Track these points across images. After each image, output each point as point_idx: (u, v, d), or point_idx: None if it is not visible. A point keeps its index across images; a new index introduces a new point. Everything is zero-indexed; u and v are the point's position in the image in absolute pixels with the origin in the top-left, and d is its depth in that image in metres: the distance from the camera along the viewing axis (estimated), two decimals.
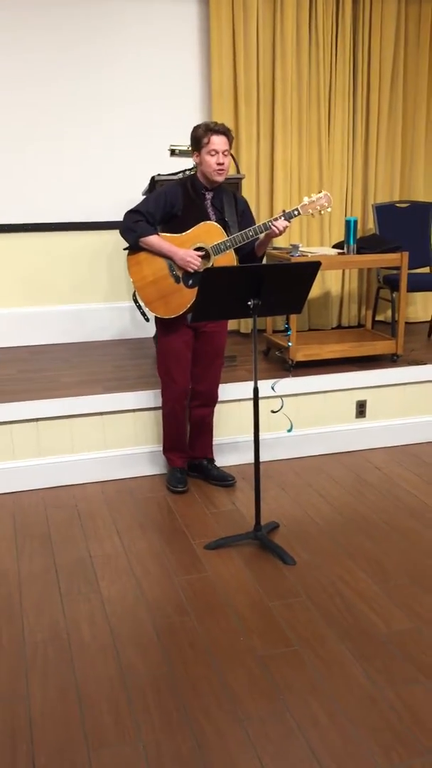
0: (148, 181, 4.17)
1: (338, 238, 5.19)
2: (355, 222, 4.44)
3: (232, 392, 4.03)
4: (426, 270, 5.24)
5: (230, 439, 4.09)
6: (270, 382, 3.87)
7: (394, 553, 3.17)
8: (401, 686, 2.33)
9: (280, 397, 3.80)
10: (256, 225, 3.42)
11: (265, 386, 3.88)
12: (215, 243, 3.43)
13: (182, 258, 3.40)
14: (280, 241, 5.07)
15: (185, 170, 4.00)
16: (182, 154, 4.12)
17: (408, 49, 5.30)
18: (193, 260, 3.40)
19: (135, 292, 3.53)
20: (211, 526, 3.43)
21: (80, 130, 4.97)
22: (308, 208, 3.47)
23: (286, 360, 4.36)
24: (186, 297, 3.46)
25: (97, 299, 5.25)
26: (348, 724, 2.17)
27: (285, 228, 3.39)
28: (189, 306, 3.45)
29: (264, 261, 3.74)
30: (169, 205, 3.42)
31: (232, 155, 4.10)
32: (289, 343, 4.24)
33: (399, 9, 5.16)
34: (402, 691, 2.30)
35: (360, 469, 4.07)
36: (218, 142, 3.34)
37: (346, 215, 5.34)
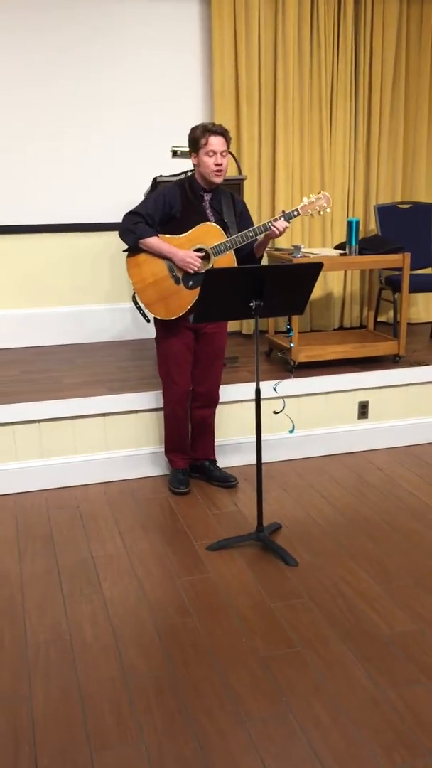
0: (149, 183, 4.17)
1: (340, 239, 5.19)
2: (357, 223, 4.44)
3: (234, 393, 4.04)
4: (428, 271, 5.23)
5: (232, 440, 4.10)
6: (272, 383, 3.87)
7: (396, 554, 3.17)
8: (403, 687, 2.33)
9: (282, 398, 3.80)
10: (256, 226, 3.42)
11: (267, 387, 3.87)
12: (215, 244, 3.43)
13: (182, 259, 3.40)
14: (282, 242, 5.08)
15: (187, 171, 3.99)
16: (184, 155, 4.11)
17: (410, 49, 5.30)
18: (193, 261, 3.40)
19: (135, 293, 3.53)
20: (213, 527, 3.44)
21: (81, 131, 4.97)
22: (308, 209, 3.47)
23: (288, 361, 4.36)
24: (186, 298, 3.46)
25: (99, 300, 5.25)
26: (350, 725, 2.17)
27: (284, 229, 3.39)
28: (189, 307, 3.45)
29: (263, 262, 3.74)
30: (168, 206, 3.42)
31: (233, 156, 4.10)
32: (291, 344, 4.24)
33: (401, 9, 5.16)
34: (404, 692, 2.30)
35: (362, 470, 4.07)
36: (216, 142, 3.34)
37: (347, 216, 5.33)
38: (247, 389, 3.96)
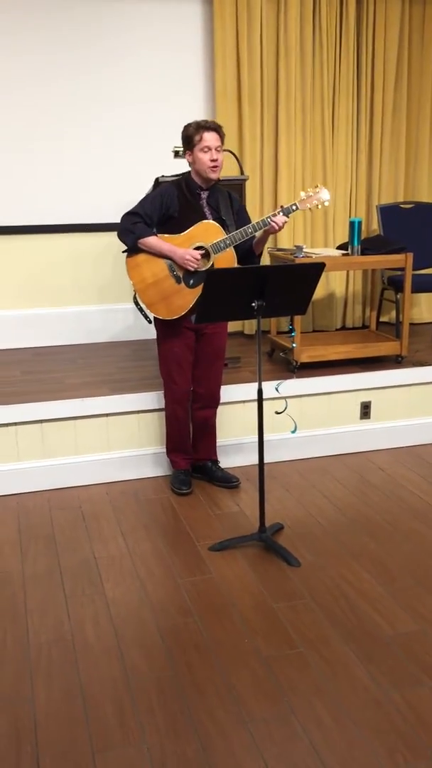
0: (151, 183, 4.16)
1: (342, 239, 5.18)
2: (360, 223, 4.43)
3: (237, 393, 4.03)
4: (430, 271, 5.22)
5: (234, 440, 4.09)
6: (274, 383, 3.86)
7: (399, 554, 3.17)
8: (406, 688, 2.32)
9: (285, 398, 3.80)
10: (255, 221, 3.41)
11: (269, 387, 3.87)
12: (214, 241, 3.42)
13: (182, 257, 3.39)
14: (284, 242, 5.08)
15: (189, 172, 3.98)
16: None
17: (412, 49, 5.29)
18: (193, 258, 3.39)
19: (135, 294, 3.52)
20: (215, 527, 3.43)
21: (81, 131, 4.97)
22: (306, 203, 3.46)
23: (290, 361, 4.36)
24: (187, 298, 3.45)
25: (100, 301, 5.25)
26: (352, 726, 2.16)
27: (284, 224, 3.38)
28: (191, 306, 3.44)
29: (262, 259, 3.73)
30: (166, 206, 3.42)
31: (235, 156, 4.10)
32: (294, 345, 4.23)
33: (403, 9, 5.16)
34: (407, 693, 2.30)
35: (364, 471, 4.06)
36: (210, 138, 3.34)
37: (350, 216, 5.33)
38: (249, 389, 3.96)
